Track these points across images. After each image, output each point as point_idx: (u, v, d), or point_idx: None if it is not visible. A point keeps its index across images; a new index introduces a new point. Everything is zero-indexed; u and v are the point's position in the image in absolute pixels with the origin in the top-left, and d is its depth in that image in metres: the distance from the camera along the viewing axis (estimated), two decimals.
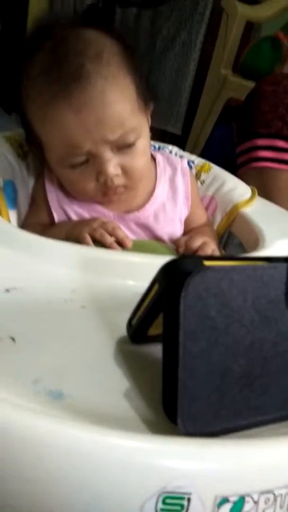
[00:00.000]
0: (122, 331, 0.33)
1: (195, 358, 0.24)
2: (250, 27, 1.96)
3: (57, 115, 0.48)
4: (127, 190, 0.54)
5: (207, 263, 0.26)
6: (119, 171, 0.51)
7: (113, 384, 0.29)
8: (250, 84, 1.61)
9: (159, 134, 2.15)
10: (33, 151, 0.58)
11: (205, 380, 0.25)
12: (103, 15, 1.77)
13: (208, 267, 0.25)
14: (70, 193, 0.56)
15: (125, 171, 0.52)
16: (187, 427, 0.24)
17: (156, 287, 0.28)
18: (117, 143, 0.50)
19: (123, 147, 0.50)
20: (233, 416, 0.26)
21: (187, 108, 1.98)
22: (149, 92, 0.54)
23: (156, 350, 0.32)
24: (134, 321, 0.31)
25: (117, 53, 0.50)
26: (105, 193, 0.53)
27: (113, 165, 0.50)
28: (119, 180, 0.52)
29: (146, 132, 0.54)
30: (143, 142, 0.52)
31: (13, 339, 0.30)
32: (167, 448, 0.23)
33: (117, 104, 0.48)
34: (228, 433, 0.25)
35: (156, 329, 0.31)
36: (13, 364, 0.29)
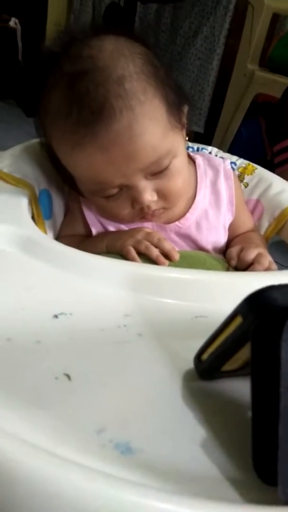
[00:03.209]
0: (186, 363, 0.29)
1: None
2: (275, 19, 1.90)
3: (83, 155, 0.44)
4: (166, 210, 0.50)
5: None
6: (155, 197, 0.47)
7: (185, 432, 0.25)
8: (279, 79, 1.55)
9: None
10: (62, 178, 0.54)
11: None
12: (124, 13, 1.73)
13: None
14: None
15: (162, 194, 0.48)
16: None
17: (238, 321, 0.23)
18: (151, 170, 0.46)
19: (157, 172, 0.46)
20: None
21: (210, 106, 1.92)
22: (180, 96, 0.49)
23: (228, 387, 0.28)
24: (205, 357, 0.27)
25: (141, 69, 0.44)
26: (142, 217, 0.50)
27: (149, 192, 0.46)
28: (156, 205, 0.48)
29: (181, 149, 0.49)
30: (179, 160, 0.48)
31: (68, 376, 0.27)
32: None
33: (146, 134, 0.43)
34: None
35: (230, 365, 0.27)
36: (73, 408, 0.25)
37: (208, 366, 0.27)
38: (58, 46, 0.46)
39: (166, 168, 0.46)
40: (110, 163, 0.44)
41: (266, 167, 0.98)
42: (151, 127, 0.44)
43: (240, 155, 0.72)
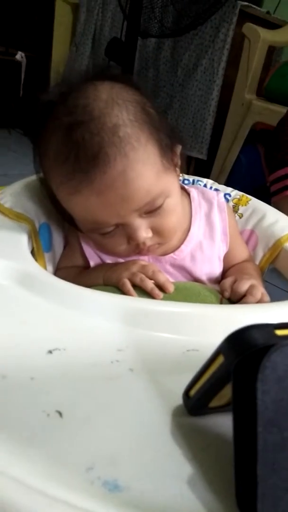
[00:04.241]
0: (176, 398, 0.30)
1: (277, 450, 0.21)
2: (271, 51, 1.96)
3: (80, 199, 0.46)
4: (161, 245, 0.52)
5: (279, 332, 0.23)
6: (150, 234, 0.49)
7: (172, 469, 0.25)
8: (276, 108, 1.60)
9: (184, 160, 2.14)
10: (61, 215, 0.55)
11: None
12: (126, 47, 1.80)
13: (286, 341, 0.22)
14: None
15: (157, 231, 0.50)
16: None
17: (220, 359, 0.24)
18: (145, 209, 0.48)
19: (151, 211, 0.48)
20: None
21: (211, 134, 1.97)
22: (173, 138, 0.52)
23: (217, 422, 0.29)
24: (192, 393, 0.28)
25: (135, 116, 0.46)
26: (138, 252, 0.51)
27: (143, 229, 0.48)
28: (151, 241, 0.50)
29: (174, 188, 0.51)
30: (172, 199, 0.50)
31: (60, 413, 0.28)
32: None
33: (140, 178, 0.45)
34: None
35: (218, 401, 0.27)
36: (64, 445, 0.26)
37: (196, 402, 0.28)
38: (55, 95, 0.48)
39: (160, 207, 0.48)
40: (105, 205, 0.46)
41: (265, 193, 1.00)
42: (145, 171, 0.46)
43: (240, 182, 0.74)
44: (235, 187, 0.72)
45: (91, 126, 0.44)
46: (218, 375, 0.25)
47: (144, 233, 0.48)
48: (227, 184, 0.72)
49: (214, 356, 0.25)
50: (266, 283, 0.67)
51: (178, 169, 0.53)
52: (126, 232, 0.49)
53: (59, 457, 0.25)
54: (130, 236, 0.49)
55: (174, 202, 0.50)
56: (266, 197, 0.97)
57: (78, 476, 0.24)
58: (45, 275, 0.41)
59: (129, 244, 0.50)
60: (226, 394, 0.26)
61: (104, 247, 0.53)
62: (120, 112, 0.45)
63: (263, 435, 0.21)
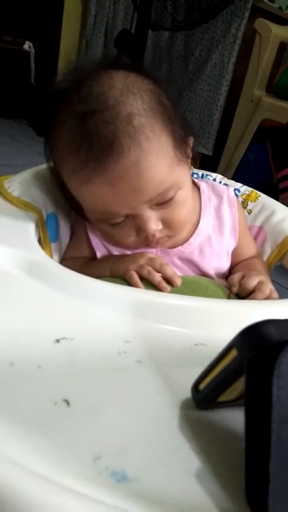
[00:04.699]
0: (184, 391, 0.30)
1: None
2: (282, 47, 1.94)
3: (92, 188, 0.46)
4: (170, 238, 0.52)
5: None
6: (160, 226, 0.49)
7: (181, 462, 0.25)
8: (286, 105, 1.58)
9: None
10: (70, 204, 0.55)
11: None
12: (135, 40, 1.78)
13: None
14: None
15: (167, 223, 0.49)
16: None
17: (233, 353, 0.24)
18: (156, 201, 0.47)
19: (162, 203, 0.48)
20: None
21: (218, 129, 1.96)
22: (186, 129, 0.51)
23: (225, 417, 0.29)
24: (202, 387, 0.27)
25: (149, 106, 0.45)
26: (147, 244, 0.51)
27: (153, 221, 0.48)
28: (161, 234, 0.50)
29: (186, 181, 0.51)
30: (184, 192, 0.50)
31: (67, 402, 0.27)
32: None
33: (153, 169, 0.45)
34: None
35: (227, 395, 0.27)
36: (71, 434, 0.26)
37: (205, 396, 0.27)
38: (69, 82, 0.47)
39: (171, 199, 0.48)
40: (117, 195, 0.45)
41: (272, 191, 1.00)
42: (158, 162, 0.45)
43: (247, 178, 0.74)
44: (242, 183, 0.71)
45: (106, 115, 0.43)
46: (230, 369, 0.25)
47: (154, 225, 0.48)
48: (234, 180, 0.72)
49: (227, 350, 0.25)
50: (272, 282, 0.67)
51: (190, 161, 0.53)
52: (136, 223, 0.48)
53: (67, 445, 0.25)
54: (140, 227, 0.48)
55: (185, 194, 0.50)
56: (273, 195, 0.96)
57: (85, 465, 0.24)
58: (53, 265, 0.41)
59: (138, 236, 0.50)
60: (236, 388, 0.26)
61: (112, 238, 0.52)
62: (135, 101, 0.45)
63: (277, 431, 0.20)
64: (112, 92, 0.45)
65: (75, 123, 0.45)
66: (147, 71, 0.49)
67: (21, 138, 2.21)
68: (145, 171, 0.44)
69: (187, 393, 0.29)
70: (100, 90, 0.45)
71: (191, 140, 0.53)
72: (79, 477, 0.23)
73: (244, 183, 0.69)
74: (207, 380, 0.27)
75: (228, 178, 0.71)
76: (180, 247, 0.54)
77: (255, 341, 0.22)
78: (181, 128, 0.49)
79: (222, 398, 0.27)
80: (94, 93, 0.45)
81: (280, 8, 2.01)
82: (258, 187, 0.68)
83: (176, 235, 0.52)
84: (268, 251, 0.62)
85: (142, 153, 0.44)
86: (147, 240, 0.50)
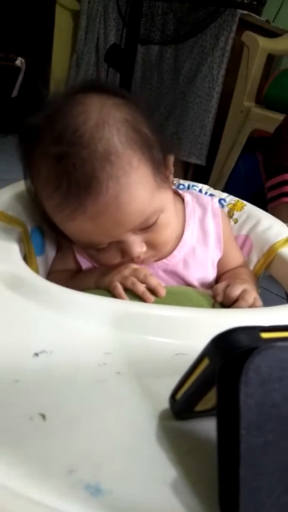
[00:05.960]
0: (163, 402, 0.29)
1: (259, 453, 0.21)
2: (271, 58, 1.98)
3: (74, 224, 0.46)
4: (155, 256, 0.53)
5: (264, 335, 0.23)
6: (144, 248, 0.49)
7: (157, 473, 0.25)
8: (274, 115, 1.60)
9: (183, 166, 2.16)
10: (54, 231, 0.54)
11: (272, 479, 0.21)
12: (125, 54, 1.81)
13: (270, 344, 0.22)
14: None
15: (151, 245, 0.50)
16: None
17: (205, 362, 0.24)
18: (139, 227, 0.48)
19: (145, 227, 0.48)
20: None
21: (210, 140, 1.98)
22: (166, 149, 0.51)
23: (202, 427, 0.28)
24: (178, 396, 0.27)
25: (126, 137, 0.45)
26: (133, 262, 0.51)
27: (138, 244, 0.48)
28: (145, 255, 0.50)
29: (168, 203, 0.51)
30: (166, 214, 0.50)
31: (43, 416, 0.27)
32: None
33: (134, 202, 0.45)
34: None
35: (203, 404, 0.27)
36: (45, 448, 0.25)
37: (182, 406, 0.27)
38: (41, 119, 0.47)
39: (154, 223, 0.48)
40: (100, 229, 0.46)
41: (264, 200, 1.00)
42: (138, 194, 0.45)
43: (238, 189, 0.74)
44: (233, 193, 0.71)
45: (82, 154, 0.43)
46: (203, 378, 0.25)
47: (139, 248, 0.48)
48: (226, 190, 0.72)
49: (199, 359, 0.25)
50: (262, 289, 0.67)
51: (171, 177, 0.53)
52: (121, 247, 0.49)
53: (40, 460, 0.25)
54: (124, 251, 0.49)
55: (168, 216, 0.50)
56: (265, 204, 0.97)
57: (59, 479, 0.24)
58: (34, 278, 0.41)
59: (123, 257, 0.50)
60: (212, 397, 0.26)
61: (99, 261, 0.53)
62: (111, 134, 0.44)
63: (246, 438, 0.20)
64: (87, 127, 0.44)
65: (52, 163, 0.45)
66: (123, 94, 0.49)
67: (13, 152, 2.22)
68: (126, 205, 0.44)
69: (165, 403, 0.29)
70: (75, 126, 0.44)
71: (171, 159, 0.53)
72: (52, 491, 0.23)
73: (236, 193, 0.70)
74: (183, 389, 0.27)
75: (220, 188, 0.72)
76: (164, 260, 0.55)
77: (225, 348, 0.22)
78: (161, 151, 0.49)
79: (199, 407, 0.27)
80: (68, 130, 0.44)
81: (267, 21, 2.04)
82: (250, 197, 0.69)
83: (161, 254, 0.53)
84: (254, 260, 0.62)
85: (121, 187, 0.44)
86: (132, 261, 0.50)
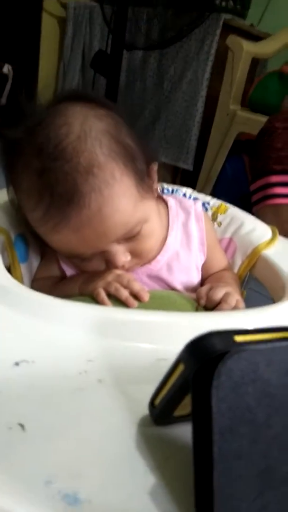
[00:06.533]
0: (143, 408, 0.29)
1: (233, 458, 0.21)
2: (256, 62, 2.00)
3: (57, 236, 0.46)
4: (139, 264, 0.53)
5: (238, 338, 0.23)
6: (128, 257, 0.50)
7: (136, 481, 0.25)
8: (259, 118, 1.61)
9: (171, 170, 2.16)
10: (38, 241, 0.53)
11: (245, 484, 0.21)
12: (111, 60, 1.82)
13: (242, 348, 0.22)
14: None
15: (135, 254, 0.50)
16: None
17: (181, 367, 0.24)
18: (122, 238, 0.48)
19: (129, 238, 0.49)
20: None
21: (197, 144, 1.99)
22: (149, 158, 0.51)
23: (181, 432, 0.29)
24: (157, 402, 0.28)
25: (108, 149, 0.45)
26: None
27: (122, 254, 0.49)
28: (130, 263, 0.50)
29: (152, 212, 0.51)
30: (150, 223, 0.50)
31: (22, 426, 0.27)
32: None
33: (117, 214, 0.45)
34: None
35: (182, 410, 0.27)
36: (23, 459, 0.25)
37: (160, 411, 0.27)
38: (24, 130, 0.47)
39: (138, 233, 0.49)
40: (83, 241, 0.46)
41: (250, 203, 1.01)
42: (121, 206, 0.45)
43: (226, 191, 0.75)
44: (221, 196, 0.72)
45: (65, 168, 0.43)
46: (179, 383, 0.25)
47: (123, 257, 0.49)
48: (213, 193, 0.73)
49: (175, 365, 0.25)
50: (251, 290, 0.67)
51: (155, 185, 0.54)
52: (105, 257, 0.49)
53: (18, 470, 0.24)
54: (109, 260, 0.49)
55: (152, 225, 0.51)
56: (251, 207, 0.98)
57: (37, 489, 0.24)
58: (14, 286, 0.41)
59: (107, 267, 0.50)
60: (189, 402, 0.26)
61: (83, 270, 0.53)
62: (93, 147, 0.44)
63: (219, 443, 0.20)
64: (70, 140, 0.44)
65: (34, 177, 0.45)
66: (107, 104, 0.49)
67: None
68: (108, 218, 0.45)
69: (146, 410, 0.29)
70: (57, 140, 0.44)
71: (154, 168, 0.53)
72: (30, 502, 0.23)
73: (224, 196, 0.71)
74: (161, 395, 0.27)
75: (208, 192, 0.72)
76: (148, 265, 0.55)
77: (198, 353, 0.23)
78: (144, 161, 0.49)
79: (178, 412, 0.28)
80: (51, 143, 0.44)
81: (251, 25, 2.06)
82: (238, 200, 0.69)
83: (145, 261, 0.53)
84: (238, 262, 0.62)
85: (103, 200, 0.44)
86: (117, 269, 0.50)
